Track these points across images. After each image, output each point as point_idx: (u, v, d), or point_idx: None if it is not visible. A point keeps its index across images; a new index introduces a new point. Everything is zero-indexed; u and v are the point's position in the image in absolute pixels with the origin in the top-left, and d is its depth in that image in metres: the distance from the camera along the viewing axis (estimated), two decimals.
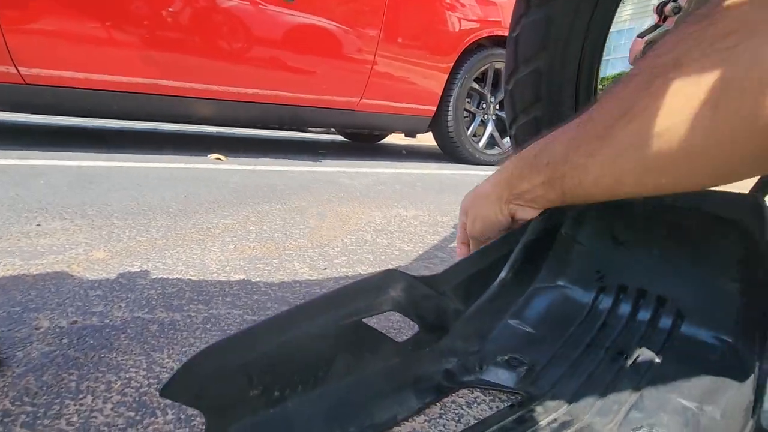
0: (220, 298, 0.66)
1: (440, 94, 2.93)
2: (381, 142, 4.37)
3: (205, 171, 1.83)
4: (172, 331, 0.55)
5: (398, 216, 1.32)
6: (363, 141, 4.22)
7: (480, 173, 2.60)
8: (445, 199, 1.66)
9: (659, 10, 0.68)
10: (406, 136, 4.07)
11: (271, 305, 0.65)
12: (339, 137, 4.61)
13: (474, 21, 2.90)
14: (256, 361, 0.35)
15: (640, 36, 0.70)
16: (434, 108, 2.98)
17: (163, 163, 1.94)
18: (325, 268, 0.83)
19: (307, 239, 1.00)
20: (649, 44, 0.71)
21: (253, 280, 0.74)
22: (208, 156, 2.26)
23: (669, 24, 0.65)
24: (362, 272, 0.82)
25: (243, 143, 3.17)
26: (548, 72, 0.62)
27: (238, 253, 0.87)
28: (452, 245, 1.06)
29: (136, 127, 3.61)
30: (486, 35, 2.92)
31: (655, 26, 0.67)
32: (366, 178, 2.03)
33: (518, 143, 0.72)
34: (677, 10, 0.64)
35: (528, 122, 0.68)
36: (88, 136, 2.81)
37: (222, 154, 2.31)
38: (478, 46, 2.94)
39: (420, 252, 0.98)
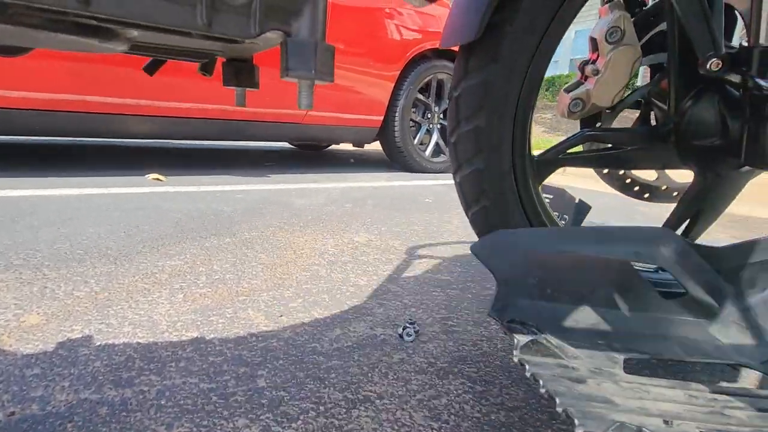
0: (173, 364, 0.64)
1: (387, 104, 2.97)
2: (329, 148, 4.35)
3: (144, 197, 1.73)
4: (124, 413, 0.53)
5: (351, 243, 1.33)
6: (310, 149, 4.18)
7: (428, 183, 2.67)
8: (396, 219, 1.69)
9: (581, 68, 0.75)
10: (354, 146, 4.08)
11: (228, 368, 0.64)
12: (285, 144, 4.53)
13: (416, 32, 2.97)
14: (536, 257, 0.48)
15: (566, 90, 0.76)
16: (381, 118, 3.01)
17: (97, 187, 1.81)
18: (281, 315, 0.82)
19: (261, 279, 0.99)
20: (575, 100, 0.78)
21: (206, 338, 0.72)
22: (147, 177, 2.15)
23: (590, 83, 0.72)
24: (319, 316, 0.83)
25: (183, 156, 3.03)
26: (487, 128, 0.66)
27: (189, 303, 0.84)
28: (405, 275, 1.09)
29: (63, 141, 3.34)
30: (429, 47, 2.99)
31: (578, 83, 0.74)
32: (317, 197, 2.02)
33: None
34: (596, 72, 0.71)
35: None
36: (5, 155, 2.56)
37: (161, 173, 2.20)
38: (422, 58, 3.01)
39: (374, 286, 1.00)
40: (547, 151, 0.75)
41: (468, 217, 0.79)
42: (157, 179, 2.13)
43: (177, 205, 1.63)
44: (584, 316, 0.50)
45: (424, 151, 3.19)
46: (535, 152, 0.75)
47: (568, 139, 0.74)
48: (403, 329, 0.78)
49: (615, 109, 0.78)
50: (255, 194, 1.96)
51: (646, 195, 0.89)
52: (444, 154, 3.32)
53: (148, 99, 2.19)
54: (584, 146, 0.81)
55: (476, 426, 0.56)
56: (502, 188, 0.72)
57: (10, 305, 0.78)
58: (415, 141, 3.13)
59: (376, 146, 3.61)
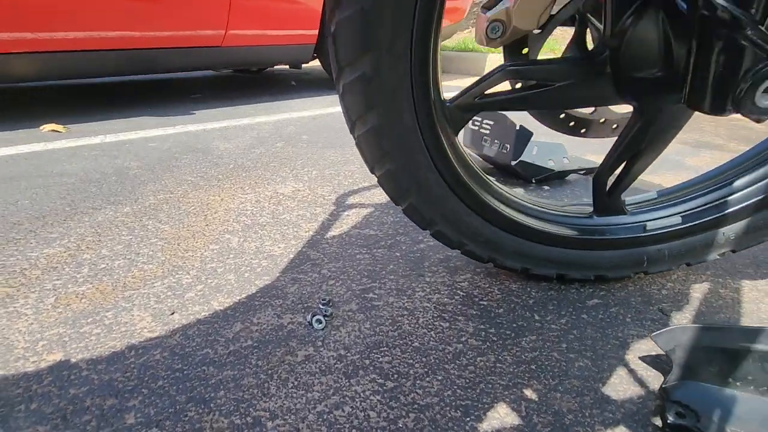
0: (22, 406, 0.53)
1: (321, 12, 2.61)
2: (268, 70, 3.94)
3: (33, 157, 1.49)
4: None
5: (274, 196, 1.19)
6: (245, 72, 3.77)
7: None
8: (330, 158, 1.54)
9: None
10: (291, 67, 3.70)
11: (91, 402, 0.54)
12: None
13: None
14: (719, 351, 0.53)
15: (483, 9, 0.60)
16: (316, 32, 2.68)
17: None
18: (173, 313, 0.71)
19: (157, 263, 0.85)
20: (493, 23, 0.62)
21: (72, 360, 0.61)
22: (41, 128, 1.85)
23: (509, 1, 0.56)
24: (219, 308, 0.72)
25: (90, 96, 2.65)
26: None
27: (60, 310, 0.71)
28: (329, 235, 0.98)
29: None
30: None
31: (498, 0, 0.58)
32: (244, 136, 1.81)
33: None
34: None
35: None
36: None
37: (58, 123, 1.90)
38: None
39: (291, 255, 0.89)
40: (461, 94, 0.61)
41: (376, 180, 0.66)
42: (54, 130, 1.84)
43: (72, 166, 1.41)
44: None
45: None
46: (447, 95, 0.61)
47: (484, 77, 0.60)
48: (312, 316, 0.68)
49: (544, 30, 0.63)
50: (172, 140, 1.73)
51: (583, 130, 0.77)
52: None
53: (31, 31, 1.81)
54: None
55: None
56: (407, 147, 0.59)
57: None
58: None
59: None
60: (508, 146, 1.24)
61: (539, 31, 0.69)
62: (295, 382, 0.57)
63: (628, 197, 0.77)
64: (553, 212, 0.75)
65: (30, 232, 0.97)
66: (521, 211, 0.72)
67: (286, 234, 0.98)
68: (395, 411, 0.53)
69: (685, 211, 0.74)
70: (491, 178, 0.72)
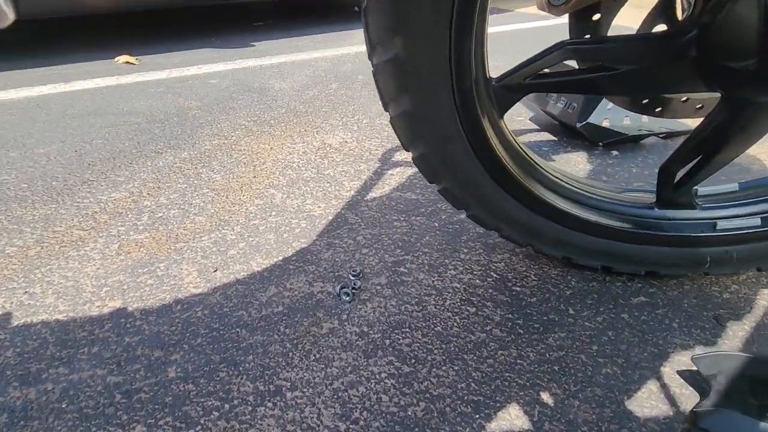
0: (86, 349, 0.62)
1: None
2: None
3: (106, 93, 1.58)
4: (21, 422, 0.52)
5: (322, 148, 1.18)
6: None
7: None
8: None
9: None
10: None
11: (142, 352, 0.61)
12: None
13: None
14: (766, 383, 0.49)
15: None
16: None
17: (56, 83, 1.66)
18: (215, 270, 0.76)
19: (207, 215, 0.91)
20: None
21: (128, 309, 0.68)
22: (115, 60, 1.94)
23: None
24: (257, 268, 0.76)
25: (156, 27, 2.70)
26: None
27: (122, 257, 0.79)
28: (369, 196, 0.97)
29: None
30: None
31: None
32: (300, 74, 1.78)
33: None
34: None
35: None
36: None
37: (132, 55, 1.98)
38: None
39: (330, 216, 0.90)
40: (510, 72, 0.53)
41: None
42: (128, 62, 1.93)
43: (140, 103, 1.48)
44: None
45: None
46: (494, 74, 0.54)
47: (539, 55, 0.51)
48: (341, 289, 0.70)
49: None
50: (231, 77, 1.75)
51: (659, 109, 0.66)
52: None
53: None
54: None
55: (386, 426, 0.52)
56: (443, 134, 0.54)
57: None
58: None
59: None
60: (576, 105, 1.11)
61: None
62: (317, 355, 0.61)
63: (701, 187, 0.68)
64: (606, 199, 0.68)
65: (101, 175, 1.05)
66: (568, 198, 0.66)
67: (328, 192, 0.98)
68: (407, 398, 0.55)
69: (767, 212, 0.63)
70: (538, 160, 0.65)
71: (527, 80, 0.53)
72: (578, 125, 1.12)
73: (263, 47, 2.19)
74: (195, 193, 0.98)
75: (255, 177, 1.05)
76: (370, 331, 0.64)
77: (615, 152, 1.16)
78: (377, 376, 0.58)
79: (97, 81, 1.70)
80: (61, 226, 0.87)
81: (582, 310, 0.68)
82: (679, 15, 0.61)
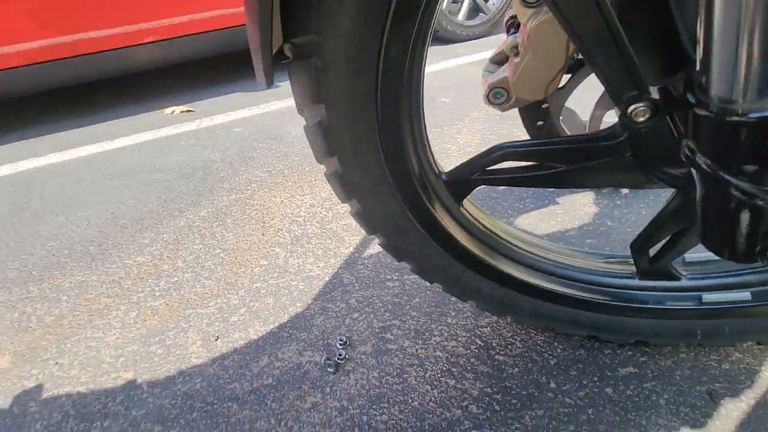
0: (99, 422, 0.69)
1: None
2: None
3: (145, 147, 1.73)
4: None
5: (328, 199, 1.23)
6: None
7: (455, 63, 2.29)
8: None
9: (507, 26, 0.48)
10: None
11: (145, 426, 0.68)
12: None
13: None
14: None
15: (489, 65, 0.50)
16: None
17: (101, 142, 1.83)
18: (217, 338, 0.82)
19: (215, 278, 0.98)
20: (495, 89, 0.52)
21: (138, 381, 0.76)
22: (167, 111, 2.10)
23: (509, 68, 0.45)
24: (254, 336, 0.81)
25: (198, 71, 2.89)
26: None
27: (138, 325, 0.88)
28: (366, 253, 1.00)
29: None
30: None
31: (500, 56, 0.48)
32: None
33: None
34: (515, 50, 0.44)
35: None
36: (20, 111, 2.66)
37: (187, 105, 2.14)
38: None
39: (327, 277, 0.94)
40: (458, 168, 0.55)
41: None
42: (189, 110, 2.08)
43: (171, 158, 1.61)
44: None
45: (456, 15, 2.68)
46: (447, 168, 0.56)
47: (479, 156, 0.53)
48: (326, 360, 0.74)
49: (566, 87, 0.52)
50: (254, 124, 1.85)
51: None
52: (483, 12, 2.77)
53: (154, 20, 2.05)
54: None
55: None
56: (397, 228, 0.56)
57: None
58: (443, 7, 2.61)
59: None
60: None
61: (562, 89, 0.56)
62: None
63: (689, 254, 0.65)
64: (585, 270, 0.67)
65: (130, 238, 1.16)
66: (544, 272, 0.66)
67: (328, 250, 1.03)
68: None
69: (761, 285, 0.60)
70: (511, 236, 0.66)
71: (474, 176, 0.54)
72: None
73: (287, 88, 2.29)
74: (208, 255, 1.06)
75: (263, 235, 1.11)
76: (350, 407, 0.67)
77: (624, 191, 1.12)
78: None
79: (137, 136, 1.86)
80: (91, 293, 0.98)
81: (564, 382, 0.67)
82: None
